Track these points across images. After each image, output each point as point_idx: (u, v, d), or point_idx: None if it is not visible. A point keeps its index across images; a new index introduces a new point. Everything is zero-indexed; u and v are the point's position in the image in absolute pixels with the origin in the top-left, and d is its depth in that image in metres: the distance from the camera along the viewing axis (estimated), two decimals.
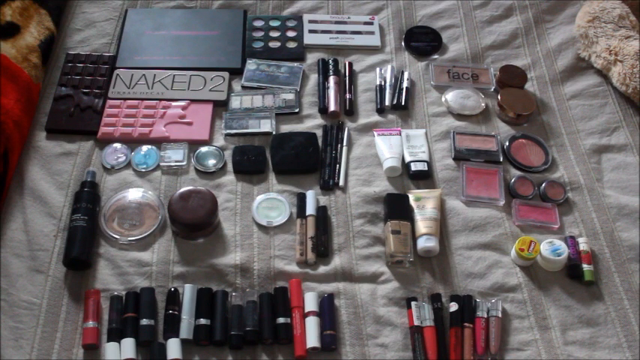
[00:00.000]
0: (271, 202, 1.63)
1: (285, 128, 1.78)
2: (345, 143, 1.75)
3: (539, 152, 1.75)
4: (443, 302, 1.48)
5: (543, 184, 1.67)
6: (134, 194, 1.62)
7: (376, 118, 1.82)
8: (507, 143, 1.76)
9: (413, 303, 1.46)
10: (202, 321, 1.42)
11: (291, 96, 1.83)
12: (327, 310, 1.45)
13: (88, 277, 1.48)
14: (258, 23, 2.03)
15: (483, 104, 1.85)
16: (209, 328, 1.42)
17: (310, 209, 1.60)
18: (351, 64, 1.92)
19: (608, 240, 1.59)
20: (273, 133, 1.75)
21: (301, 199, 1.63)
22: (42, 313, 1.42)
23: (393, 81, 1.88)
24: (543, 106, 1.87)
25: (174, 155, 1.68)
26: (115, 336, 1.39)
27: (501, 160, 1.73)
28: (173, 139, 1.72)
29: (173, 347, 1.38)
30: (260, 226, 1.59)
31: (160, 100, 1.80)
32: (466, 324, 1.44)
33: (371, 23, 2.04)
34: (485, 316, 1.45)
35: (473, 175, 1.69)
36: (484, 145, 1.75)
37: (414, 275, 1.52)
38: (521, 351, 1.43)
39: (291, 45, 1.98)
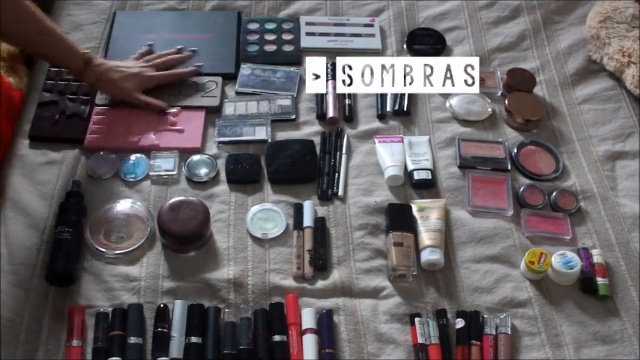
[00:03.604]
0: (266, 213, 1.60)
1: (282, 136, 1.75)
2: (344, 151, 1.72)
3: (549, 159, 1.73)
4: (448, 318, 1.45)
5: (554, 193, 1.65)
6: (122, 205, 1.59)
7: (377, 124, 1.79)
8: (515, 150, 1.73)
9: (417, 319, 1.42)
10: (193, 339, 1.38)
11: (287, 102, 1.81)
12: (326, 327, 1.41)
13: (72, 293, 1.45)
14: (253, 26, 2.00)
15: (490, 109, 1.82)
16: (200, 347, 1.38)
17: (308, 220, 1.57)
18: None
19: (624, 251, 1.56)
20: (269, 140, 1.73)
21: (298, 210, 1.60)
22: (22, 331, 1.38)
23: None
24: (553, 110, 1.85)
25: (165, 164, 1.66)
26: (101, 355, 1.36)
27: (509, 167, 1.70)
28: (163, 147, 1.69)
29: None
30: (255, 239, 1.56)
31: None
32: (473, 342, 1.41)
33: (371, 25, 2.03)
34: (494, 333, 1.42)
35: (479, 184, 1.66)
36: (491, 153, 1.73)
37: (417, 290, 1.49)
38: None
39: (288, 48, 1.96)
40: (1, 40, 1.66)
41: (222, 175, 1.66)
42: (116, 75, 1.70)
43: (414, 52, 1.95)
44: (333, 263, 1.52)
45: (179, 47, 1.87)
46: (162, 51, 1.85)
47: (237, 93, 1.83)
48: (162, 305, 1.41)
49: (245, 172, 1.65)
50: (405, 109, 1.80)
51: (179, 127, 1.72)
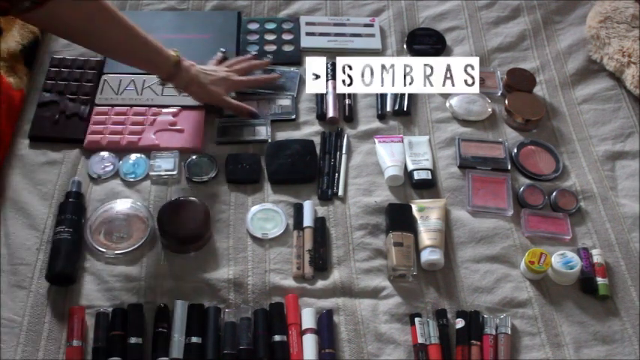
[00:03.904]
0: (267, 213, 1.59)
1: (282, 136, 1.75)
2: (344, 151, 1.71)
3: (549, 159, 1.72)
4: (448, 318, 1.44)
5: (554, 193, 1.64)
6: (122, 205, 1.58)
7: (377, 124, 1.79)
8: (515, 150, 1.73)
9: (417, 319, 1.42)
10: (194, 339, 1.38)
11: (287, 102, 1.80)
12: (326, 327, 1.41)
13: (72, 293, 1.44)
14: (253, 26, 2.00)
15: (490, 109, 1.82)
16: (201, 347, 1.38)
17: (308, 220, 1.57)
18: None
19: (624, 251, 1.56)
20: (269, 140, 1.72)
21: (298, 210, 1.59)
22: (23, 331, 1.38)
23: None
24: (553, 110, 1.84)
25: (165, 164, 1.65)
26: (101, 355, 1.35)
27: (509, 167, 1.70)
28: (163, 147, 1.69)
29: None
30: (255, 239, 1.55)
31: (150, 106, 1.77)
32: (473, 342, 1.41)
33: (371, 25, 2.02)
34: (494, 333, 1.41)
35: (479, 184, 1.66)
36: (491, 153, 1.72)
37: (417, 290, 1.49)
38: None
39: (288, 48, 1.95)
40: (88, 47, 1.61)
41: (222, 175, 1.65)
42: (206, 79, 1.68)
43: (414, 52, 1.94)
44: (333, 263, 1.51)
45: (255, 53, 1.87)
46: (239, 57, 1.84)
47: (237, 93, 1.81)
48: (162, 305, 1.41)
49: (245, 172, 1.65)
50: (405, 109, 1.79)
51: (179, 127, 1.72)
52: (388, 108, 1.80)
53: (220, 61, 1.81)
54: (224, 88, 1.71)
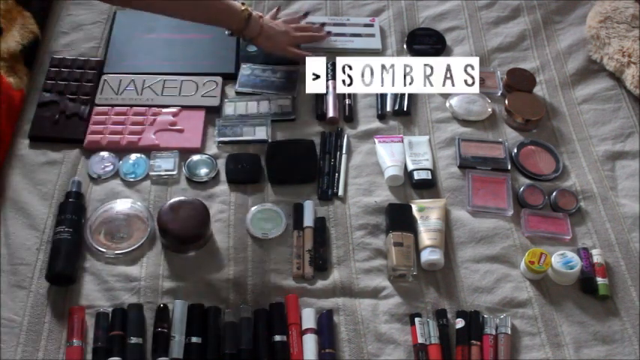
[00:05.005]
0: (266, 213, 1.59)
1: (282, 136, 1.74)
2: (344, 151, 1.71)
3: (549, 159, 1.72)
4: (448, 318, 1.44)
5: (554, 193, 1.64)
6: (122, 205, 1.58)
7: (377, 124, 1.79)
8: (515, 150, 1.72)
9: (417, 319, 1.42)
10: (194, 339, 1.38)
11: (287, 102, 1.80)
12: (326, 327, 1.41)
13: (72, 293, 1.44)
14: None
15: (490, 109, 1.81)
16: (201, 347, 1.38)
17: (308, 220, 1.57)
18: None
19: (624, 251, 1.55)
20: (269, 140, 1.72)
21: (298, 210, 1.59)
22: (23, 331, 1.38)
23: None
24: (553, 110, 1.84)
25: (165, 164, 1.65)
26: (101, 356, 1.36)
27: (509, 167, 1.70)
28: (163, 147, 1.69)
29: None
30: (255, 239, 1.55)
31: (150, 106, 1.76)
32: (473, 342, 1.40)
33: (371, 25, 2.02)
34: (494, 333, 1.41)
35: (479, 184, 1.65)
36: (491, 153, 1.72)
37: (417, 290, 1.48)
38: None
39: None
40: (161, 14, 1.69)
41: (222, 175, 1.65)
42: (272, 31, 1.81)
43: (414, 52, 1.94)
44: (333, 263, 1.51)
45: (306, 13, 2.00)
46: (296, 17, 1.96)
47: (237, 93, 1.82)
48: (162, 305, 1.41)
49: (245, 172, 1.64)
50: (405, 109, 1.79)
51: (179, 127, 1.72)
52: (388, 108, 1.80)
53: (275, 15, 1.93)
54: (287, 40, 1.85)
